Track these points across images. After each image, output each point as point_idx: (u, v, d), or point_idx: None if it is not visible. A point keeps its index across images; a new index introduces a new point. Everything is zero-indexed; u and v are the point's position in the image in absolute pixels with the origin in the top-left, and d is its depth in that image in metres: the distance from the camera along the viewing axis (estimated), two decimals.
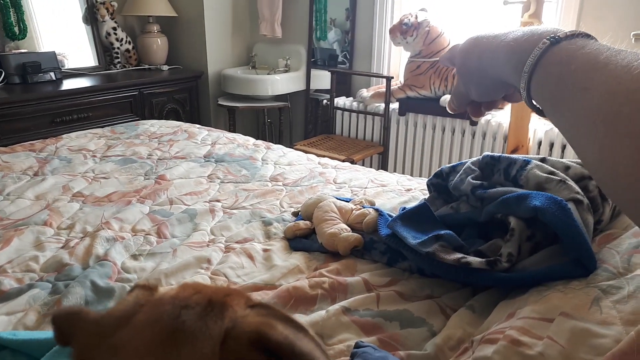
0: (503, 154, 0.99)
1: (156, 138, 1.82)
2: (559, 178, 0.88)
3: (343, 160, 2.55)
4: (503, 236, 0.88)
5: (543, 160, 0.95)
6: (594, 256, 0.78)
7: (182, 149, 1.70)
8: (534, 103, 0.44)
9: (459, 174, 1.03)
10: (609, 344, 0.64)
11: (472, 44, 0.53)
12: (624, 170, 0.32)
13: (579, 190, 0.87)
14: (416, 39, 2.51)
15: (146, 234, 1.14)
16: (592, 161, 0.36)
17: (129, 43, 3.15)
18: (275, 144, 3.30)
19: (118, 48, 3.08)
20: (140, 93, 2.90)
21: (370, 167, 2.91)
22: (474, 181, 0.98)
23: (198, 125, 2.00)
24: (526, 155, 0.98)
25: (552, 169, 0.91)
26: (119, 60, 3.11)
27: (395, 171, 2.82)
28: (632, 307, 0.68)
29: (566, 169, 0.92)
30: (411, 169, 2.74)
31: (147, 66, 3.20)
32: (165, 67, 3.21)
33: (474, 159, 1.04)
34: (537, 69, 0.41)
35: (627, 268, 0.76)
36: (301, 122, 3.30)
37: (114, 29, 3.03)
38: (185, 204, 1.30)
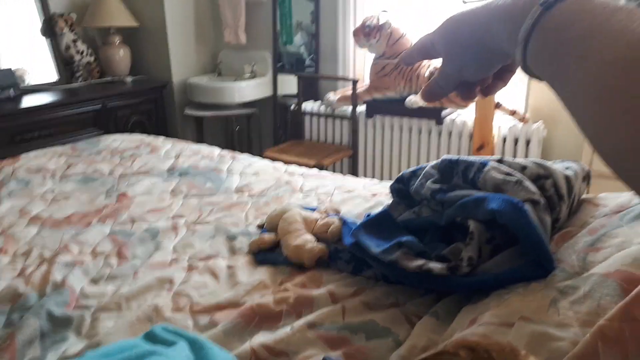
0: (461, 157, 1.00)
1: (118, 153, 1.78)
2: (515, 179, 0.89)
3: (313, 166, 2.54)
4: (464, 239, 0.88)
5: (500, 161, 0.95)
6: (552, 257, 0.79)
7: (145, 164, 1.67)
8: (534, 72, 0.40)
9: (419, 179, 1.03)
10: (566, 347, 0.64)
11: (458, 20, 0.48)
12: (626, 149, 0.30)
13: (536, 190, 0.88)
14: (379, 40, 2.52)
15: (107, 257, 1.11)
16: (593, 136, 0.33)
17: (91, 55, 3.08)
18: (245, 151, 3.28)
19: (79, 61, 3.01)
20: (104, 106, 2.84)
21: (341, 170, 2.91)
22: (434, 185, 0.98)
23: (162, 138, 1.96)
24: (484, 157, 0.99)
25: (509, 170, 0.91)
26: (81, 73, 3.04)
27: (365, 174, 2.83)
28: (587, 308, 0.69)
29: (523, 169, 0.93)
30: (381, 171, 2.75)
31: (110, 78, 3.14)
32: (129, 79, 3.15)
33: (434, 162, 1.04)
34: (532, 37, 0.38)
35: (583, 267, 0.77)
36: (270, 129, 3.28)
37: (74, 41, 2.96)
38: (148, 222, 1.27)
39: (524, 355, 0.42)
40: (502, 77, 0.53)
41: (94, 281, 1.02)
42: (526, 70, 0.40)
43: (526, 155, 2.29)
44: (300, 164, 2.55)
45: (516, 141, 2.29)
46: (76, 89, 2.93)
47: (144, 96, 3.06)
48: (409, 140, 2.59)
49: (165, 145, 1.86)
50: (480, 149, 2.26)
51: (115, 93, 2.91)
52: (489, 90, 0.54)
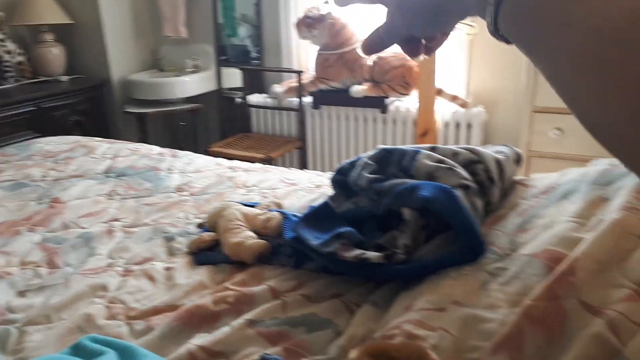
0: (397, 146, 1.00)
1: (51, 157, 1.70)
2: (447, 166, 0.90)
3: (261, 159, 2.51)
4: (401, 227, 0.89)
5: (433, 149, 0.96)
6: (483, 240, 0.81)
7: (80, 167, 1.60)
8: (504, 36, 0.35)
9: (356, 169, 1.03)
10: (495, 328, 0.66)
11: None
12: (622, 129, 0.26)
13: (467, 176, 0.89)
14: (322, 31, 2.51)
15: (36, 266, 1.06)
16: (583, 114, 0.29)
17: (21, 55, 2.92)
18: (191, 148, 3.21)
19: (9, 61, 2.85)
20: (39, 108, 2.70)
21: (291, 163, 2.89)
22: (370, 175, 0.98)
23: (98, 139, 1.88)
24: (418, 145, 0.99)
25: (441, 157, 0.93)
26: (12, 74, 2.88)
27: (315, 165, 2.82)
28: (516, 288, 0.71)
29: (454, 155, 0.94)
30: (330, 161, 2.75)
31: (44, 78, 2.99)
32: (65, 78, 3.01)
33: (370, 153, 1.04)
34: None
35: (512, 248, 0.79)
36: (217, 123, 3.22)
37: (2, 40, 2.80)
38: (82, 227, 1.22)
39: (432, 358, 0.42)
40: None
41: (21, 294, 0.97)
42: (495, 33, 0.35)
43: (469, 140, 2.34)
44: (248, 158, 2.52)
45: (458, 126, 2.34)
46: (7, 90, 2.78)
47: (82, 95, 2.93)
48: (355, 130, 2.61)
49: (101, 146, 1.78)
50: (424, 135, 2.29)
51: (50, 93, 2.77)
52: (433, 46, 0.48)
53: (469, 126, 2.32)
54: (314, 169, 2.82)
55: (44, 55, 2.97)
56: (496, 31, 0.35)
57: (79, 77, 3.07)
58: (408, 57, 0.52)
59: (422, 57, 0.51)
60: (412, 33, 0.45)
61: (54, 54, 3.00)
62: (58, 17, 2.89)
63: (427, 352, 0.43)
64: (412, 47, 0.47)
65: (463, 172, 0.89)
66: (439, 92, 2.34)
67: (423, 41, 0.48)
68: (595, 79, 0.27)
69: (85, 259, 1.08)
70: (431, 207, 0.81)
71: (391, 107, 2.46)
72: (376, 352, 0.42)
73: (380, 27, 0.46)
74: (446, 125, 2.36)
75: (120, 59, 3.10)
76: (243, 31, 3.01)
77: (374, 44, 0.48)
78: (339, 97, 2.58)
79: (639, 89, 0.24)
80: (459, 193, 0.83)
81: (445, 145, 0.98)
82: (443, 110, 2.35)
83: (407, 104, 2.44)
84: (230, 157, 2.05)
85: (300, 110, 2.67)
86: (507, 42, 0.35)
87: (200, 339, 0.82)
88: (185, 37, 3.07)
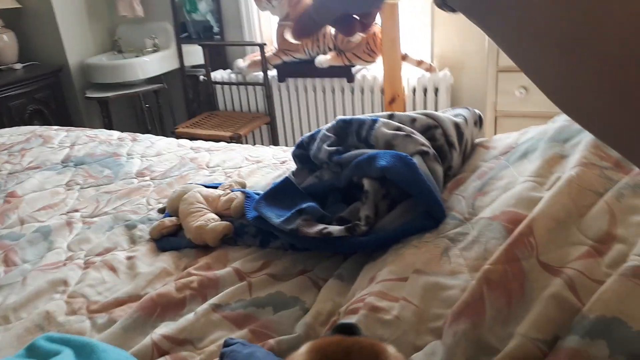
0: (355, 117, 0.98)
1: (5, 149, 1.63)
2: (404, 133, 0.88)
3: (230, 137, 2.46)
4: (362, 198, 0.88)
5: (391, 116, 0.94)
6: (442, 206, 0.80)
7: (36, 158, 1.54)
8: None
9: (316, 142, 1.01)
10: (457, 294, 0.65)
11: None
12: (592, 109, 0.24)
13: (425, 142, 0.88)
14: (281, 2, 2.44)
15: None
16: (549, 88, 0.27)
17: None
18: (157, 129, 3.13)
19: None
20: None
21: (261, 139, 2.85)
22: (330, 148, 0.96)
23: (55, 127, 1.81)
24: (376, 114, 0.97)
25: (399, 125, 0.91)
26: None
27: (286, 140, 2.78)
28: (476, 253, 0.70)
29: (412, 121, 0.93)
30: (300, 135, 2.71)
31: None
32: (19, 66, 2.89)
33: (329, 125, 1.02)
34: None
35: (472, 212, 0.78)
36: (182, 103, 3.14)
37: None
38: (39, 221, 1.17)
39: (386, 353, 0.40)
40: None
41: None
42: (441, 4, 0.32)
43: (436, 104, 2.33)
44: (216, 137, 2.47)
45: (425, 91, 2.32)
46: None
47: (38, 83, 2.81)
48: (324, 101, 2.57)
49: (59, 134, 1.72)
50: (392, 102, 2.27)
51: (4, 83, 2.66)
52: (369, 22, 0.44)
53: (436, 90, 2.30)
54: (285, 144, 2.79)
55: None
56: (443, 2, 0.31)
57: (34, 64, 2.95)
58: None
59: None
60: (347, 10, 0.41)
61: (5, 41, 2.86)
62: (4, 1, 2.75)
63: (383, 347, 0.41)
64: (346, 26, 0.43)
65: (421, 139, 0.87)
66: (404, 57, 2.31)
67: (357, 17, 0.43)
68: (564, 59, 0.24)
69: (43, 253, 1.04)
70: (389, 176, 0.79)
71: (357, 76, 2.43)
72: (323, 349, 0.41)
73: (309, 7, 0.43)
74: (413, 90, 2.34)
75: (76, 43, 2.98)
76: (204, 6, 2.91)
77: (305, 27, 0.44)
78: (304, 69, 2.53)
79: (613, 69, 0.22)
80: (417, 160, 0.82)
81: (402, 113, 0.96)
82: (409, 76, 2.33)
83: (373, 72, 2.41)
84: (197, 138, 2.00)
85: (265, 84, 2.61)
86: (453, 11, 0.32)
87: (164, 328, 0.80)
88: (142, 15, 2.96)
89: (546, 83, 0.27)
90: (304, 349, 0.42)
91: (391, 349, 0.43)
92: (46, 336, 0.70)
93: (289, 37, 2.36)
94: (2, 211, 1.24)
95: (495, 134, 1.82)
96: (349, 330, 0.48)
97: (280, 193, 0.99)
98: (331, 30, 2.43)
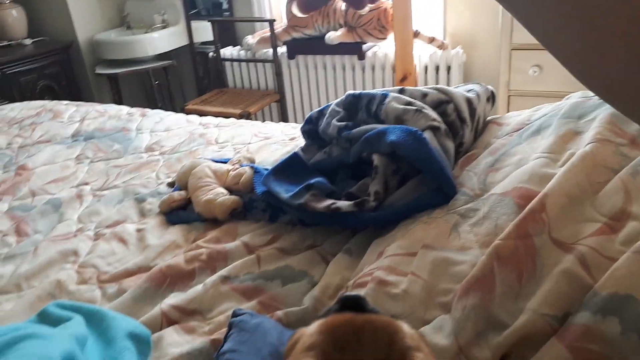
0: (364, 91, 0.97)
1: (16, 123, 1.63)
2: (415, 108, 0.87)
3: (239, 114, 2.45)
4: (372, 174, 0.87)
5: (401, 91, 0.93)
6: (453, 182, 0.79)
7: (47, 132, 1.54)
8: None
9: (325, 118, 1.00)
10: (466, 270, 0.65)
11: None
12: (618, 85, 0.24)
13: (436, 117, 0.86)
14: None
15: (4, 236, 1.03)
16: (572, 64, 0.27)
17: None
18: (168, 106, 3.12)
19: None
20: (3, 74, 2.60)
21: (270, 117, 2.84)
22: (339, 123, 0.95)
23: (65, 102, 1.81)
24: (386, 89, 0.96)
25: (410, 99, 0.89)
26: None
27: (295, 117, 2.77)
28: (486, 229, 0.69)
29: (424, 96, 0.91)
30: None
31: (6, 42, 2.85)
32: (28, 41, 2.88)
33: (338, 99, 1.01)
34: None
35: (483, 189, 0.77)
36: (192, 80, 3.12)
37: None
38: (50, 194, 1.18)
39: (401, 332, 0.39)
40: None
41: None
42: None
43: (448, 82, 2.30)
44: (226, 114, 2.46)
45: (437, 69, 2.29)
46: None
47: (49, 59, 2.81)
48: (334, 78, 2.54)
49: (69, 109, 1.72)
50: (403, 80, 2.24)
51: (14, 58, 2.65)
52: None
53: (448, 68, 2.26)
54: (294, 121, 2.77)
55: (4, 18, 2.82)
56: None
57: (43, 40, 2.94)
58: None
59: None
60: None
61: (14, 16, 2.85)
62: None
63: (399, 326, 0.40)
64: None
65: (432, 113, 0.86)
66: (416, 34, 2.27)
67: None
68: (587, 33, 0.24)
69: (54, 225, 1.05)
70: (399, 151, 0.78)
71: (368, 53, 2.39)
72: (338, 331, 0.40)
73: None
74: (425, 68, 2.31)
75: (84, 18, 2.96)
76: None
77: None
78: (314, 45, 2.50)
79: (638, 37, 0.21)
80: (427, 135, 0.81)
81: (414, 88, 0.94)
82: (421, 54, 2.29)
83: (384, 49, 2.37)
84: (207, 115, 1.99)
85: (275, 61, 2.59)
86: None
87: (173, 299, 0.80)
88: None
89: (568, 54, 0.27)
90: (313, 328, 0.42)
91: (406, 328, 0.42)
92: (57, 303, 0.71)
93: (295, 10, 2.32)
94: (14, 183, 1.25)
95: (508, 113, 1.79)
96: (355, 302, 0.48)
97: (289, 168, 0.99)
98: (342, 5, 2.39)
